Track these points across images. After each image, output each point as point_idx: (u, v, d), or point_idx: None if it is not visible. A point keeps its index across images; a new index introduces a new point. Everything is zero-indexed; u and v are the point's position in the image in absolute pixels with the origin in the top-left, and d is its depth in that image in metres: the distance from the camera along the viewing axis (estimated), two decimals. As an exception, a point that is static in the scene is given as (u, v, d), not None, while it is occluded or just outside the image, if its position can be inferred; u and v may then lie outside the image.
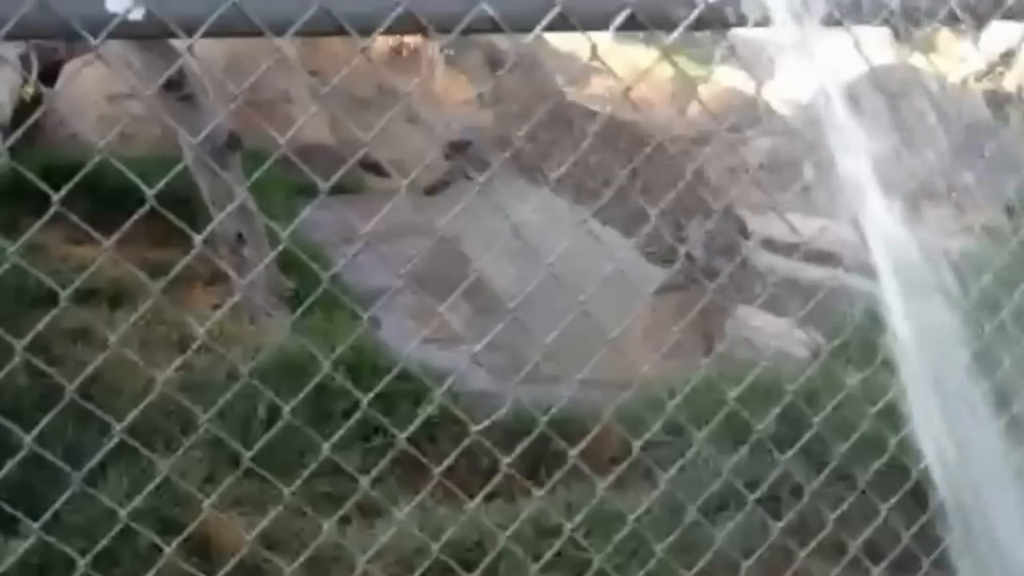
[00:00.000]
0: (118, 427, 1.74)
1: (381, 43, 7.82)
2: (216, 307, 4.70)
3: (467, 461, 2.78)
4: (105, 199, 4.03)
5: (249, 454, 1.88)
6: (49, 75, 6.97)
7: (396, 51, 7.36)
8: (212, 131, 4.23)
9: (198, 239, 1.75)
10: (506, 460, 1.93)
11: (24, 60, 6.92)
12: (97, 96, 6.39)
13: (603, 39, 1.83)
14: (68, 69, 6.83)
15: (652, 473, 2.60)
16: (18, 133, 1.89)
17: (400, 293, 4.65)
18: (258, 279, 4.52)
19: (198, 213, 4.48)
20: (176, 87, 4.29)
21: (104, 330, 3.66)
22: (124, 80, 5.94)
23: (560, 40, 7.15)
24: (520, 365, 3.94)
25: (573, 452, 1.90)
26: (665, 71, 6.93)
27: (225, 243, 4.62)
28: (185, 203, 4.48)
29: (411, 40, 7.74)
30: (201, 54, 4.62)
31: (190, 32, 1.60)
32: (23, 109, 6.53)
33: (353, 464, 2.78)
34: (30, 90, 6.78)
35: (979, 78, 9.10)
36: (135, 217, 1.70)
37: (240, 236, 4.56)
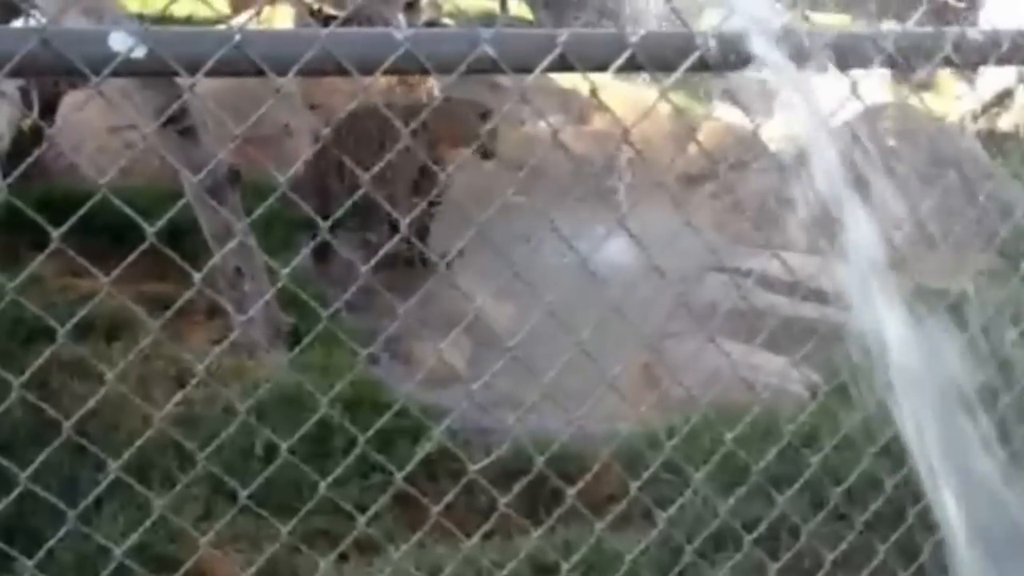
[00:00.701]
0: (114, 465, 1.74)
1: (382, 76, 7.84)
2: (215, 342, 4.69)
3: (466, 498, 2.78)
4: (105, 231, 4.03)
5: (245, 492, 1.87)
6: (49, 106, 7.00)
7: (397, 84, 7.37)
8: (212, 165, 4.23)
9: (197, 277, 1.75)
10: (503, 500, 1.92)
11: (24, 91, 6.96)
12: (97, 128, 6.41)
13: (605, 77, 1.84)
14: (68, 101, 6.85)
15: (651, 511, 2.59)
16: (17, 172, 1.89)
17: (400, 329, 4.65)
18: (257, 314, 4.51)
19: (198, 246, 4.49)
20: (176, 121, 4.30)
21: (102, 364, 3.66)
22: (124, 112, 5.97)
23: (560, 75, 7.21)
24: (519, 399, 3.95)
25: (571, 492, 1.89)
26: (665, 107, 6.96)
27: (224, 277, 4.61)
28: (186, 236, 4.50)
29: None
30: (201, 87, 4.61)
31: (192, 71, 1.61)
32: (22, 140, 6.56)
33: (351, 501, 2.78)
34: (29, 121, 6.80)
35: (976, 118, 9.15)
36: (133, 256, 1.70)
37: (239, 270, 4.56)
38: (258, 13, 7.88)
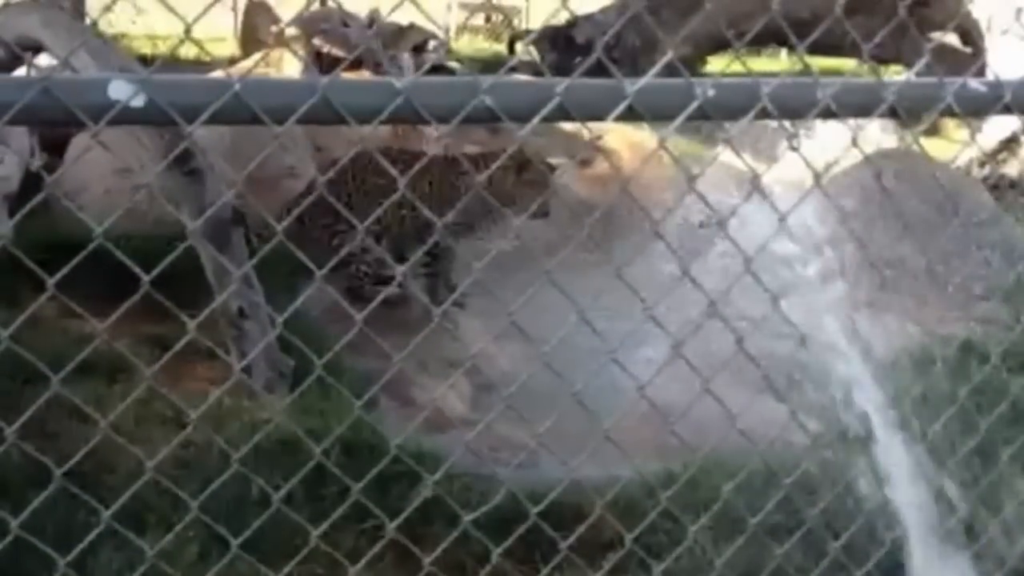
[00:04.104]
0: (106, 513, 1.73)
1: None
2: (216, 383, 4.68)
3: (463, 543, 2.76)
4: (108, 272, 4.02)
5: (237, 542, 1.86)
6: (58, 148, 7.04)
7: (398, 130, 7.40)
8: (215, 207, 4.25)
9: (191, 324, 1.76)
10: (496, 551, 1.90)
11: (34, 131, 6.99)
12: (104, 170, 6.43)
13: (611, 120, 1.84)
14: (77, 142, 6.88)
15: (647, 560, 2.57)
16: (19, 215, 1.90)
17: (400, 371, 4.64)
18: (258, 355, 4.51)
19: (202, 286, 4.49)
20: (182, 162, 4.32)
21: (100, 406, 3.65)
22: (132, 154, 6.00)
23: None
24: (520, 443, 3.94)
25: (564, 545, 1.87)
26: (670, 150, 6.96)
27: (226, 317, 4.61)
28: (188, 276, 4.50)
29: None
30: (206, 130, 4.63)
31: (191, 119, 1.62)
32: (31, 181, 6.59)
33: (346, 546, 2.76)
34: (39, 161, 6.84)
35: (982, 164, 9.15)
36: (131, 302, 1.70)
37: (241, 311, 4.55)
38: (265, 56, 7.93)
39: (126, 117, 1.60)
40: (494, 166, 3.49)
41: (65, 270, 1.60)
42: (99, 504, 1.84)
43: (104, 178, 6.41)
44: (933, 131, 9.49)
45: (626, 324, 2.36)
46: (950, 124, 9.74)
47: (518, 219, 5.78)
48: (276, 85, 1.71)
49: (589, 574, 2.17)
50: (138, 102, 1.58)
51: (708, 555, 2.74)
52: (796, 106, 1.89)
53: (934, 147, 8.30)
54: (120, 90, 1.57)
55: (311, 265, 1.84)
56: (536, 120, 1.71)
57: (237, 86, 1.60)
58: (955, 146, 9.42)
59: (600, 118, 1.77)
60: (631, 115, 1.78)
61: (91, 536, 1.79)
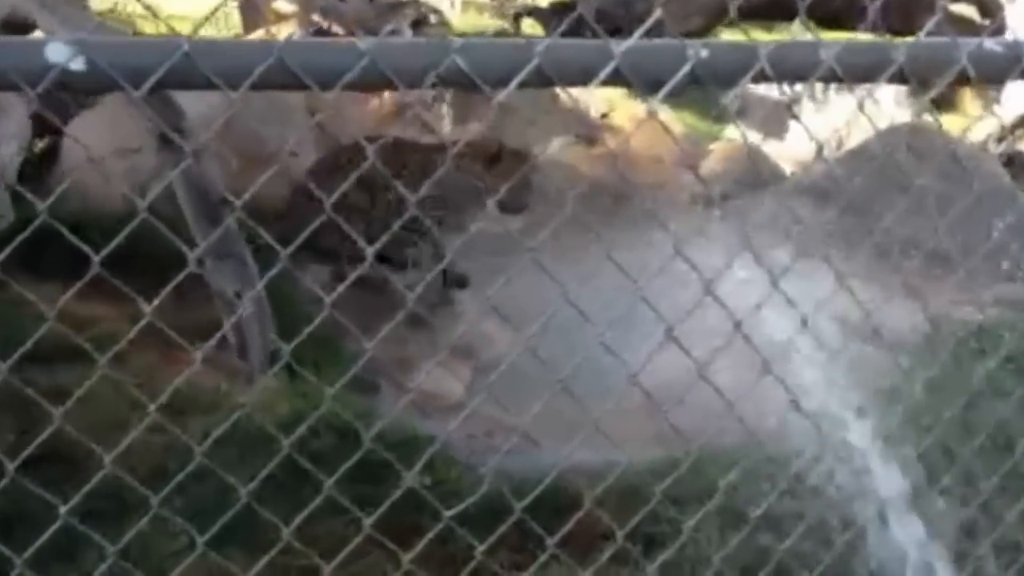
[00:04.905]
0: (63, 508, 1.64)
1: (388, 99, 7.75)
2: (212, 367, 4.58)
3: (452, 536, 2.65)
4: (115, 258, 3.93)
5: (203, 539, 1.76)
6: (58, 129, 6.94)
7: (402, 107, 7.28)
8: (209, 186, 4.14)
9: (147, 308, 1.66)
10: (479, 549, 1.79)
11: (36, 116, 6.90)
12: (104, 151, 6.32)
13: (615, 97, 1.71)
14: (76, 123, 6.79)
15: (649, 549, 2.47)
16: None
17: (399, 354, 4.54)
18: (254, 340, 4.41)
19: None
20: (173, 141, 4.21)
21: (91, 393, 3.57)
22: (132, 134, 5.90)
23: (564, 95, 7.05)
24: (517, 427, 3.82)
25: (551, 541, 1.76)
26: (675, 127, 6.83)
27: (222, 300, 4.50)
28: (184, 258, 4.39)
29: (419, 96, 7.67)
30: (200, 107, 4.52)
31: (137, 85, 1.50)
32: (32, 164, 6.53)
33: (333, 538, 2.66)
34: (41, 145, 6.77)
35: (999, 139, 8.96)
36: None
37: (237, 294, 4.44)
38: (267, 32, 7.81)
39: (66, 82, 1.48)
40: (454, 151, 3.29)
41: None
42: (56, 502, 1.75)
43: (104, 159, 6.30)
44: (949, 105, 9.26)
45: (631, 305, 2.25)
46: (967, 97, 9.54)
47: (493, 212, 5.53)
48: (228, 46, 1.57)
49: (582, 568, 2.04)
50: (78, 65, 1.46)
51: (710, 544, 2.62)
52: (796, 68, 1.75)
53: (951, 123, 8.11)
54: (58, 52, 1.45)
55: (277, 246, 1.72)
56: (513, 84, 1.58)
57: (185, 46, 1.47)
58: (967, 121, 9.20)
59: (584, 82, 1.64)
60: (618, 79, 1.64)
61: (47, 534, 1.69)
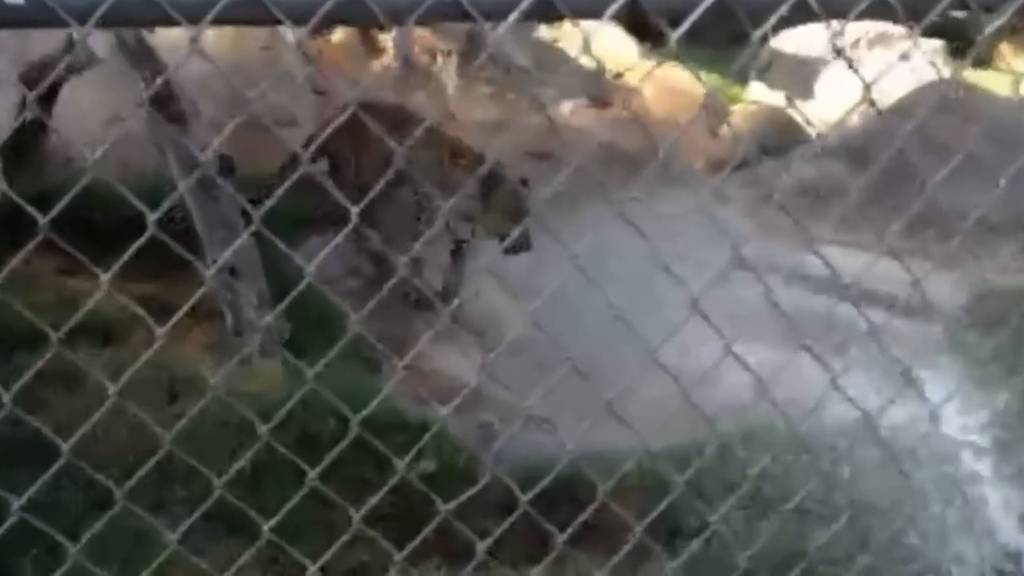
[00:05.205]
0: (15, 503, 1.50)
1: (392, 61, 7.52)
2: (208, 347, 4.42)
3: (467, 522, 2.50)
4: (99, 228, 3.78)
5: (175, 533, 1.61)
6: (48, 96, 6.76)
7: (407, 68, 7.06)
8: (202, 155, 3.93)
9: (104, 278, 1.46)
10: (482, 545, 1.61)
11: (27, 83, 6.71)
12: (94, 119, 6.14)
13: (631, 57, 1.51)
14: (66, 91, 6.60)
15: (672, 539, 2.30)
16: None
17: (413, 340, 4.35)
18: (251, 318, 4.21)
19: (192, 243, 4.20)
20: (164, 104, 3.98)
21: (94, 372, 3.43)
22: (123, 101, 5.73)
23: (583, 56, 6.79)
24: (536, 412, 3.64)
25: (561, 538, 1.58)
26: (697, 89, 6.58)
27: (217, 276, 4.30)
28: (178, 233, 4.20)
29: (423, 56, 7.44)
30: (192, 69, 4.30)
31: (83, 20, 1.30)
32: (22, 133, 6.35)
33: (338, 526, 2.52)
34: (29, 113, 6.57)
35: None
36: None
37: (233, 270, 4.22)
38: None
39: (6, 18, 1.30)
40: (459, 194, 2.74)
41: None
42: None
43: (95, 127, 6.12)
44: (984, 62, 8.87)
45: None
46: (1007, 52, 9.21)
47: (497, 251, 5.15)
48: (187, -24, 1.37)
49: (598, 563, 1.87)
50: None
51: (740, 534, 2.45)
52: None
53: (986, 79, 7.79)
54: (-5, -14, 1.26)
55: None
56: (514, 16, 1.37)
57: (139, -23, 1.27)
58: (1006, 79, 8.85)
59: (595, 15, 1.43)
60: (634, 11, 1.43)
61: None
